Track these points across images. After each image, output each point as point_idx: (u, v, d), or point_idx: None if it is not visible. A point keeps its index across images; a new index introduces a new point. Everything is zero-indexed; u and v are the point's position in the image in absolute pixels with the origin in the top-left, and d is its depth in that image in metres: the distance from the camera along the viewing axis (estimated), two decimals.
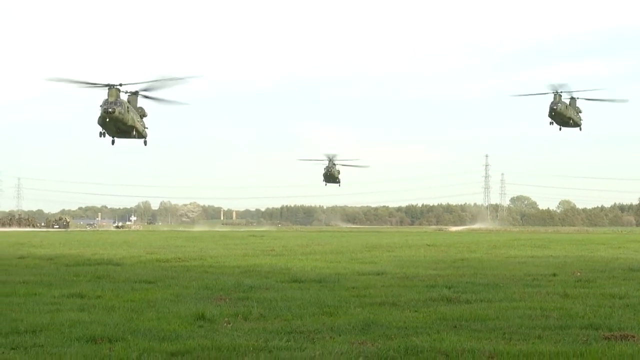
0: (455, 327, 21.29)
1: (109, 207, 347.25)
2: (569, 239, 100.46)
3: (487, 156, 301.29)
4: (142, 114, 64.66)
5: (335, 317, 23.11)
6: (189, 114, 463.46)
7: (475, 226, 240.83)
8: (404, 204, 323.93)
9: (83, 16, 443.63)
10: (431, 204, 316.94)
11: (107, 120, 60.59)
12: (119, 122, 61.12)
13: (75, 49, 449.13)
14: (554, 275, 38.09)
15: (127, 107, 61.54)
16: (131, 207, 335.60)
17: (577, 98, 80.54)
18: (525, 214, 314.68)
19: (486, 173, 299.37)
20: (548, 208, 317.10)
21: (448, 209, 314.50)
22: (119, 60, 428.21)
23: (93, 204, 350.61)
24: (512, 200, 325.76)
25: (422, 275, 38.02)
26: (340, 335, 19.85)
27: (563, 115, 78.55)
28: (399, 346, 18.00)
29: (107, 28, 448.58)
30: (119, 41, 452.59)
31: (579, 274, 38.88)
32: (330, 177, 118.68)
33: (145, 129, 65.69)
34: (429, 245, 76.94)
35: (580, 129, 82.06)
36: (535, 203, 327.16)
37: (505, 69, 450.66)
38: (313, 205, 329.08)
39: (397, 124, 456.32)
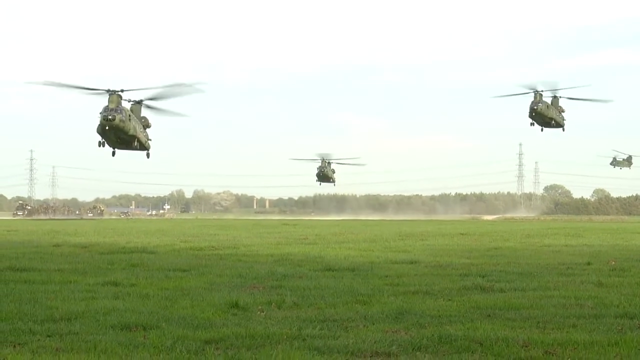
0: (489, 316, 21.24)
1: (142, 195, 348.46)
2: (603, 228, 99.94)
3: (520, 144, 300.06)
4: (146, 124, 61.11)
5: (369, 306, 23.11)
6: (223, 102, 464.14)
7: (509, 215, 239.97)
8: (437, 193, 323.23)
9: (104, 17, 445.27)
10: (464, 193, 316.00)
11: (107, 128, 56.91)
12: (120, 131, 57.49)
13: (96, 51, 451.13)
14: (588, 264, 37.91)
15: (129, 116, 57.86)
16: (165, 196, 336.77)
17: (560, 97, 78.77)
18: (559, 202, 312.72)
19: (520, 162, 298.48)
20: (582, 197, 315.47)
21: (481, 197, 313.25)
22: (135, 60, 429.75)
23: (127, 193, 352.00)
24: (546, 189, 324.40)
25: (456, 264, 37.95)
26: (373, 324, 19.85)
27: (544, 116, 76.52)
28: (433, 335, 17.98)
29: (126, 26, 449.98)
30: (141, 39, 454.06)
31: (613, 262, 38.67)
32: (324, 177, 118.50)
33: (149, 141, 62.16)
34: (462, 234, 76.79)
35: (563, 130, 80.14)
36: (569, 192, 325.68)
37: (539, 57, 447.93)
38: (346, 194, 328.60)
39: (430, 112, 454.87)
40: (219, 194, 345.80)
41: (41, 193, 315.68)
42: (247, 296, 25.05)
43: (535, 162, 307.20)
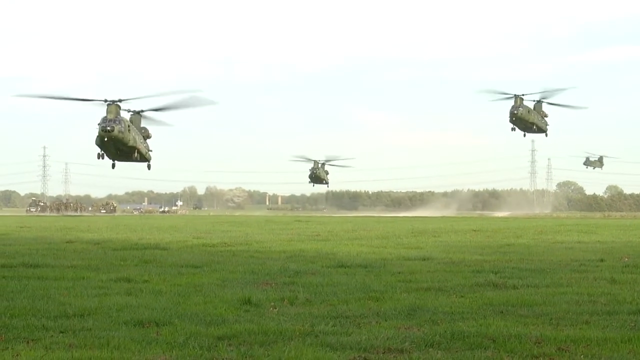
0: (502, 312, 21.22)
1: (155, 192, 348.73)
2: (617, 224, 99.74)
3: (533, 141, 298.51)
4: (146, 135, 59.72)
5: (381, 302, 23.11)
6: (236, 98, 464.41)
7: (522, 212, 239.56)
8: (449, 189, 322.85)
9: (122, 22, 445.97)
10: (477, 189, 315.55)
11: (105, 139, 55.45)
12: (119, 142, 55.96)
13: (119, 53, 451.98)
14: (602, 260, 37.85)
15: (128, 126, 56.31)
16: (177, 192, 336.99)
17: (542, 101, 77.58)
18: (571, 199, 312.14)
19: (532, 158, 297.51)
20: (594, 193, 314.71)
21: (494, 194, 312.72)
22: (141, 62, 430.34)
23: (139, 189, 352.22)
24: (559, 185, 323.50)
25: (468, 261, 37.92)
26: (386, 320, 19.85)
27: (525, 121, 75.23)
28: (446, 331, 17.98)
29: (131, 28, 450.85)
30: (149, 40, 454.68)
31: (626, 259, 38.60)
32: (316, 178, 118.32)
33: (149, 152, 60.80)
34: (474, 231, 76.70)
35: (546, 135, 78.96)
36: (582, 188, 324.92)
37: (556, 53, 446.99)
38: (358, 190, 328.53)
39: (443, 108, 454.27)
40: (231, 190, 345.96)
41: (54, 189, 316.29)
42: (260, 292, 25.08)
43: (548, 159, 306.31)
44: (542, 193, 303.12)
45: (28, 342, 17.07)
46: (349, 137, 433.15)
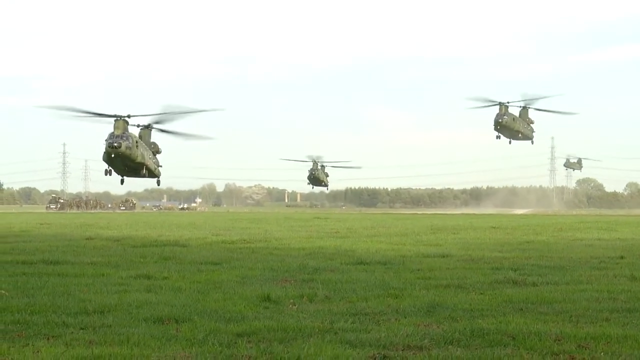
0: (522, 309, 21.17)
1: (174, 189, 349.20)
2: (637, 222, 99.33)
3: (552, 138, 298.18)
4: (156, 150, 58.82)
5: (401, 299, 23.09)
6: (254, 97, 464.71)
7: (541, 209, 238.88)
8: (468, 186, 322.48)
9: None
10: (496, 187, 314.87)
11: (113, 156, 54.67)
12: (127, 158, 55.19)
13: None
14: (622, 257, 37.72)
15: (136, 142, 55.45)
16: (196, 189, 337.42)
17: (529, 107, 76.54)
18: (591, 196, 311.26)
19: (552, 155, 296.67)
20: (614, 190, 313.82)
21: (513, 191, 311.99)
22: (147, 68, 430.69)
23: (159, 186, 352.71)
24: (578, 182, 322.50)
25: (488, 258, 37.85)
26: (405, 317, 19.83)
27: (510, 129, 74.22)
28: (465, 328, 17.95)
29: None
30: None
31: None
32: (315, 179, 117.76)
33: (159, 167, 60.05)
34: (494, 228, 76.56)
35: (532, 142, 78.07)
36: (602, 185, 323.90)
37: (572, 50, 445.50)
38: (377, 187, 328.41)
39: (460, 106, 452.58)
40: (250, 187, 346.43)
41: (74, 187, 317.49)
42: (279, 289, 25.09)
43: (568, 156, 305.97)
44: (562, 190, 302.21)
45: (48, 338, 17.13)
46: (365, 135, 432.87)
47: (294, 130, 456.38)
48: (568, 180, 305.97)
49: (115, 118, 53.83)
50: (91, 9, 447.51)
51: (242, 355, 15.46)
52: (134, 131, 56.08)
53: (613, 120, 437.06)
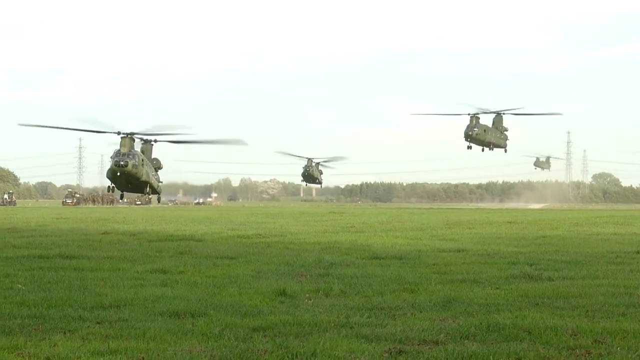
0: (537, 304, 21.14)
1: (190, 183, 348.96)
2: None
3: (569, 133, 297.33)
4: (158, 166, 57.86)
5: (416, 294, 23.09)
6: (268, 90, 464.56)
7: (557, 203, 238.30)
8: (484, 181, 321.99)
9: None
10: (512, 181, 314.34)
11: (118, 174, 53.51)
12: (132, 177, 54.15)
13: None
14: (638, 252, 37.64)
15: (142, 160, 54.60)
16: (212, 184, 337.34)
17: (504, 113, 75.71)
18: (607, 191, 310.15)
19: (568, 150, 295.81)
20: (631, 185, 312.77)
21: (529, 186, 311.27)
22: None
23: (174, 181, 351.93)
24: (595, 177, 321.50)
25: (503, 253, 37.80)
26: (421, 312, 19.83)
27: (481, 141, 73.63)
28: (481, 323, 17.93)
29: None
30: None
31: None
32: (310, 177, 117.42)
33: (160, 184, 58.78)
34: (510, 223, 76.45)
35: (505, 151, 77.45)
36: (618, 180, 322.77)
37: (589, 45, 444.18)
38: (392, 182, 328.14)
39: (478, 100, 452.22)
40: (265, 182, 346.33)
41: (90, 181, 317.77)
42: (295, 284, 25.11)
43: (584, 150, 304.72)
44: (578, 185, 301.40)
45: (65, 332, 17.19)
46: (387, 128, 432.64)
47: (314, 123, 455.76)
48: (584, 175, 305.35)
49: (121, 135, 52.59)
50: (106, 8, 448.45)
51: (258, 350, 15.47)
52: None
53: (630, 114, 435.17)
